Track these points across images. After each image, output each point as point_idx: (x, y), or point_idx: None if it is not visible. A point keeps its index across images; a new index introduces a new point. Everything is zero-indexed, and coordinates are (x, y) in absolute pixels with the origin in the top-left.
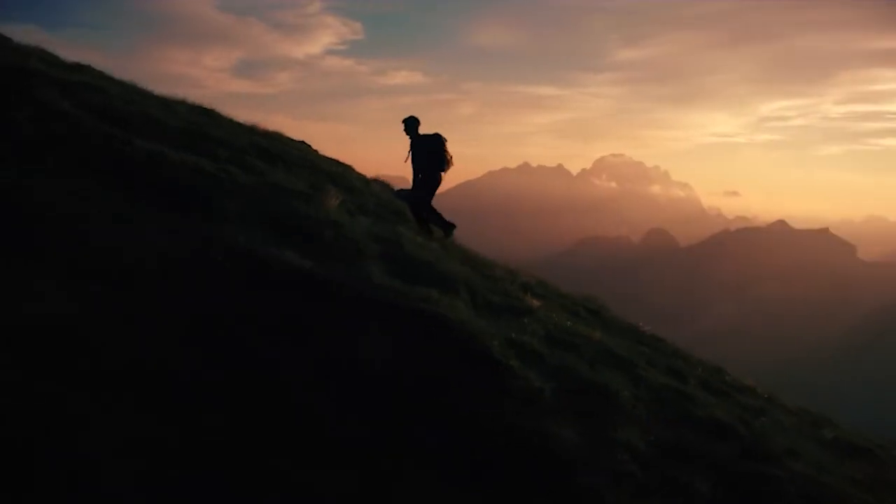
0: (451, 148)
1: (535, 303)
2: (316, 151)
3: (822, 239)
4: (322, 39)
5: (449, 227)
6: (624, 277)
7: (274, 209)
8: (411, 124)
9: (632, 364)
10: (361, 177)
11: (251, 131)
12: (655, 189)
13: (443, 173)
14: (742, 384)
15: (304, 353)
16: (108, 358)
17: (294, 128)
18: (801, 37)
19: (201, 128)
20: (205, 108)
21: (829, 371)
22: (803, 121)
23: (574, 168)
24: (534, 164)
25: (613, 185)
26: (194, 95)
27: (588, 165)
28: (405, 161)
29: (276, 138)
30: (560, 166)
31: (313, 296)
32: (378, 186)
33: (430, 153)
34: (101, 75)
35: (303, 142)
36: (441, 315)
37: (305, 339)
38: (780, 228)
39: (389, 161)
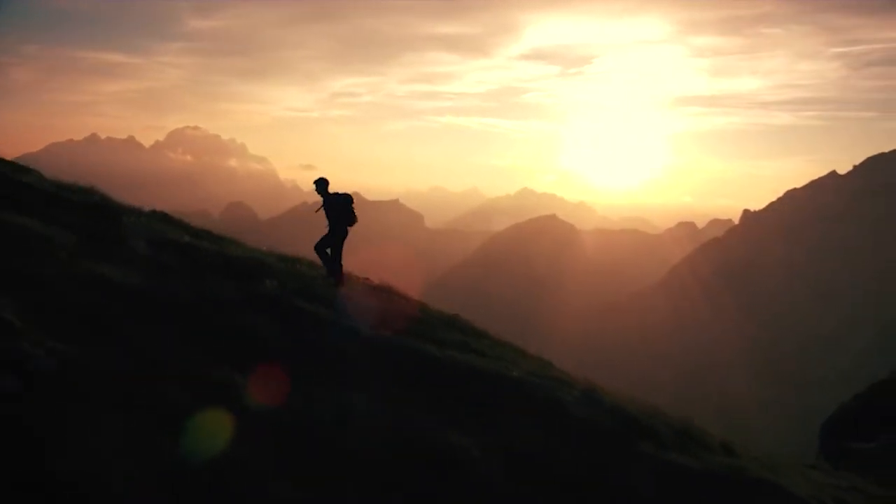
0: (6, 116)
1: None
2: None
3: (393, 209)
4: None
5: (339, 277)
6: None
7: (539, 394)
8: (322, 185)
9: None
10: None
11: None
12: (233, 163)
13: (349, 227)
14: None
15: None
16: None
17: None
18: (370, 18)
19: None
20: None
21: None
22: (372, 98)
23: (147, 140)
24: (102, 136)
25: (189, 158)
26: None
27: (162, 138)
28: (315, 212)
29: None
30: (131, 138)
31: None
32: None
33: (339, 210)
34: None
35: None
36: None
37: None
38: (356, 200)
39: None
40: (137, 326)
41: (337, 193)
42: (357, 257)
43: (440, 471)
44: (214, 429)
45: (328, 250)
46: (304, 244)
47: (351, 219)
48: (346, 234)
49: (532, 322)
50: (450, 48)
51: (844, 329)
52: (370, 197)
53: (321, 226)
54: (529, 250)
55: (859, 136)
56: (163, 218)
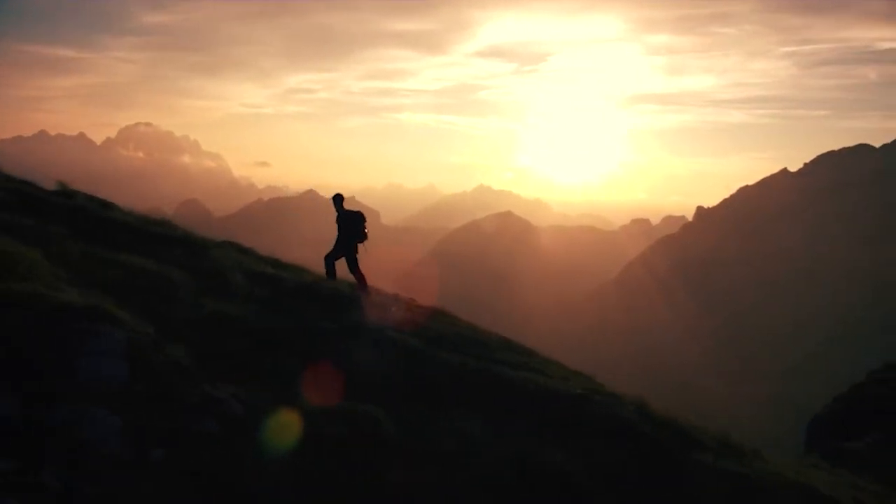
0: None
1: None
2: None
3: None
4: None
5: (363, 286)
6: None
7: (604, 411)
8: (338, 200)
9: None
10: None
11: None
12: (186, 159)
13: (360, 244)
14: None
15: None
16: None
17: None
18: (325, 14)
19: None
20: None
21: None
22: (328, 94)
23: (98, 137)
24: (52, 133)
25: (141, 155)
26: None
27: (113, 134)
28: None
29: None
30: (82, 135)
31: None
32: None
33: (350, 226)
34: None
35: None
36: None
37: None
38: (310, 197)
39: None
40: (271, 362)
41: (351, 211)
42: (297, 254)
43: (559, 490)
44: (369, 458)
45: (346, 262)
46: (262, 243)
47: (361, 236)
48: (355, 249)
49: (502, 320)
50: (406, 45)
51: (805, 325)
52: (325, 194)
53: (276, 224)
54: (487, 247)
55: (810, 134)
56: (236, 248)
